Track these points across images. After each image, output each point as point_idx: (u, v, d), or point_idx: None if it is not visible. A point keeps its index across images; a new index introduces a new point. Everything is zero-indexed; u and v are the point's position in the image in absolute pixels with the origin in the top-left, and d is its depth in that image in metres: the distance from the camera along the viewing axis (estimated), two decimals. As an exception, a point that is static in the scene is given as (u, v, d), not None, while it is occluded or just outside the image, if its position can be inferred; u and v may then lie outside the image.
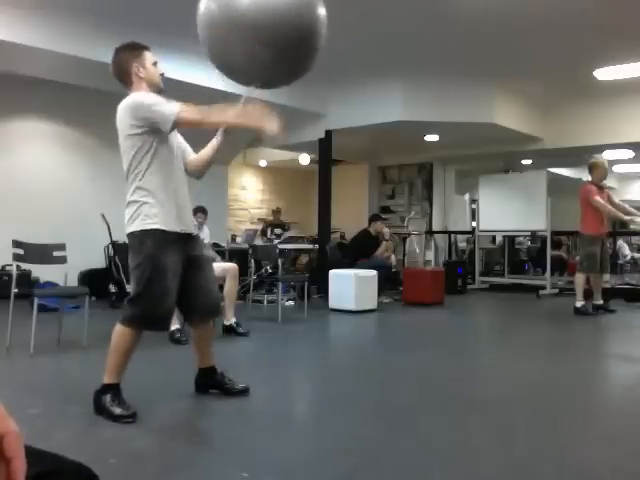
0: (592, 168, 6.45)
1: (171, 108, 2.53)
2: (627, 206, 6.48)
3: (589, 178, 6.51)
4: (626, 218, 6.35)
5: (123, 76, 2.75)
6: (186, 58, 6.22)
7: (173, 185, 2.70)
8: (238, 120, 2.61)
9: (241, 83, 2.62)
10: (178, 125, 2.56)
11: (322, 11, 2.41)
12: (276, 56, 2.36)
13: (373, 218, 8.00)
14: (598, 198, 6.20)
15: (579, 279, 6.36)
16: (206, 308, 2.87)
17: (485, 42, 6.34)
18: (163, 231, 2.61)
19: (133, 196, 2.64)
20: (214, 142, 2.87)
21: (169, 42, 5.70)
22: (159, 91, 2.77)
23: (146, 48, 2.78)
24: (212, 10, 2.36)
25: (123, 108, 2.63)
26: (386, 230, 7.87)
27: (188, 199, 2.82)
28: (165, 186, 2.66)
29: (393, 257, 8.02)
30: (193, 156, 2.92)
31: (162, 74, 2.81)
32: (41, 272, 6.95)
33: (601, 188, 6.37)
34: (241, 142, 9.60)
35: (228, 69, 2.55)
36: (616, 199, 6.59)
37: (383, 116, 7.97)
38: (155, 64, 2.77)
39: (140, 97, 2.64)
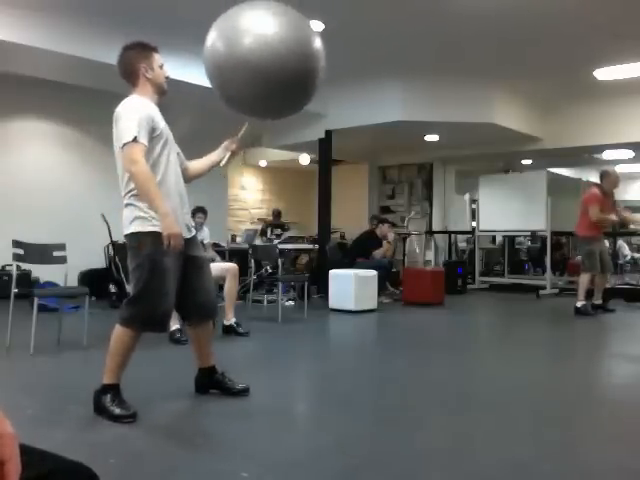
0: (603, 176, 6.44)
1: (130, 133, 2.52)
2: (627, 213, 6.53)
3: (590, 179, 6.52)
4: (617, 218, 6.42)
5: (129, 75, 2.75)
6: (184, 57, 6.22)
7: (168, 188, 2.67)
8: (165, 220, 2.51)
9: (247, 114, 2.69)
10: (125, 154, 2.53)
11: (319, 46, 2.47)
12: (280, 98, 2.47)
13: (381, 221, 8.03)
14: (596, 210, 6.20)
15: (584, 279, 6.35)
16: (205, 309, 2.87)
17: (485, 42, 6.34)
18: (160, 233, 2.60)
19: (129, 199, 2.63)
20: (214, 159, 2.97)
21: (167, 41, 5.69)
22: (162, 93, 2.80)
23: (155, 50, 2.79)
24: (217, 49, 2.39)
25: (115, 113, 2.64)
26: (391, 235, 7.91)
27: (185, 201, 2.80)
28: (160, 189, 2.63)
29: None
30: (188, 164, 2.96)
31: (167, 77, 2.82)
32: (41, 272, 6.96)
33: (606, 194, 6.37)
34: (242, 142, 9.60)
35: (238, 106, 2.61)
36: (620, 207, 6.62)
37: (383, 116, 7.96)
38: (161, 67, 2.79)
39: (123, 107, 2.62)
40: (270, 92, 2.42)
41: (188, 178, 2.96)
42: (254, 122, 2.81)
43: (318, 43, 2.47)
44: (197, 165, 3.00)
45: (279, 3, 2.42)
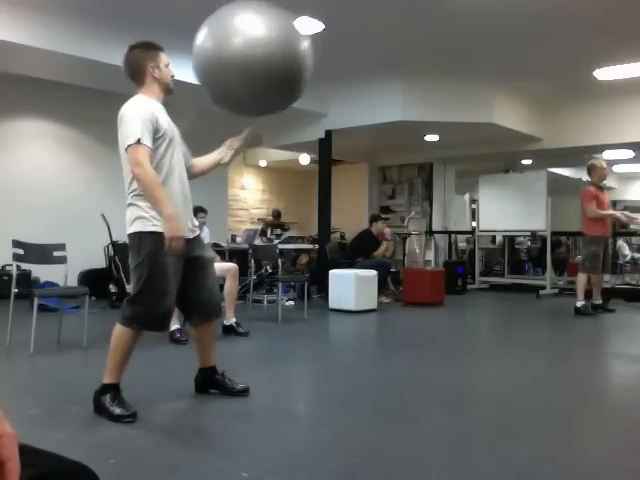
0: (591, 169, 6.46)
1: (133, 135, 2.51)
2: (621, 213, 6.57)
3: (588, 179, 6.52)
4: (615, 214, 6.47)
5: (136, 75, 2.74)
6: (183, 58, 6.22)
7: (171, 189, 2.66)
8: (168, 223, 2.50)
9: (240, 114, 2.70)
10: (129, 156, 2.54)
11: (306, 45, 2.48)
12: (267, 94, 2.46)
13: (374, 218, 8.00)
14: (592, 206, 6.20)
15: (581, 278, 6.35)
16: (209, 309, 2.87)
17: (485, 42, 6.34)
18: (161, 233, 2.60)
19: (132, 199, 2.64)
20: (217, 157, 2.99)
21: (165, 41, 5.67)
22: (169, 92, 2.81)
23: (161, 49, 2.79)
24: (207, 49, 2.40)
25: (119, 114, 2.63)
26: (387, 230, 7.90)
27: (189, 202, 2.81)
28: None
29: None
30: (194, 161, 2.97)
31: (173, 76, 2.82)
32: (41, 272, 6.96)
33: (601, 189, 6.38)
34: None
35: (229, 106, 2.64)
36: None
37: (383, 116, 7.96)
38: (167, 66, 2.79)
39: (126, 108, 2.61)
40: (258, 90, 2.44)
41: (193, 175, 2.99)
42: (255, 123, 2.83)
43: (306, 43, 2.49)
44: (202, 162, 3.01)
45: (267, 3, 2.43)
